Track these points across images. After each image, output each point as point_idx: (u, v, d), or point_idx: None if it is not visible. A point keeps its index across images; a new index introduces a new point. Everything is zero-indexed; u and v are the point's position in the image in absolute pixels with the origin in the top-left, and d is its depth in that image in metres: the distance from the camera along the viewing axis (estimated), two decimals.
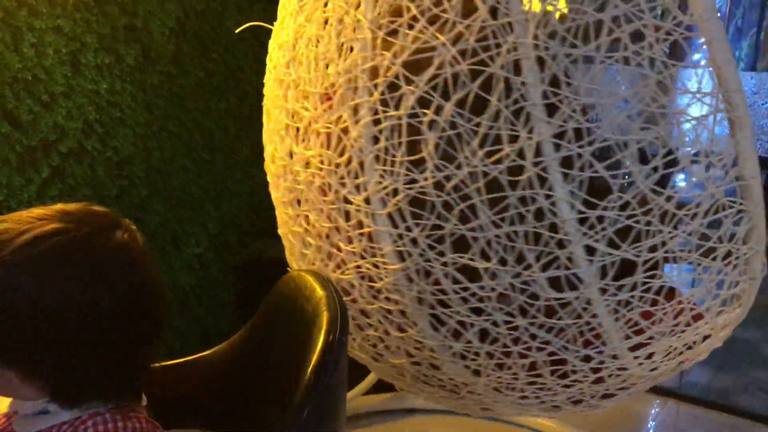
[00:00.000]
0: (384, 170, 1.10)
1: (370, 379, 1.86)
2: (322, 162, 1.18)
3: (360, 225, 1.16)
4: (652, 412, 2.14)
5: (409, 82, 1.07)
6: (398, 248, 1.12)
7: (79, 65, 1.63)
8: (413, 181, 1.09)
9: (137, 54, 1.76)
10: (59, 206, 0.82)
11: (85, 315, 0.77)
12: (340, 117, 1.13)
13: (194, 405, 1.14)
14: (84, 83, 1.65)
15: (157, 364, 1.12)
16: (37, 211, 0.81)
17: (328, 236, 1.22)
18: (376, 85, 1.09)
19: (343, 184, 1.15)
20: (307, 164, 1.21)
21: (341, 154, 1.15)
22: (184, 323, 2.01)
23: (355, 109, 1.12)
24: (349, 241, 1.19)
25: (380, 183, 1.11)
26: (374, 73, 1.11)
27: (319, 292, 0.98)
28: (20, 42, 1.52)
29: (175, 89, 1.87)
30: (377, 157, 1.11)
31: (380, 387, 1.78)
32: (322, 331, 0.90)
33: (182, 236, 1.94)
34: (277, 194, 1.32)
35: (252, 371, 1.08)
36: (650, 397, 2.20)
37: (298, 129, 1.22)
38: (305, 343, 0.92)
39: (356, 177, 1.13)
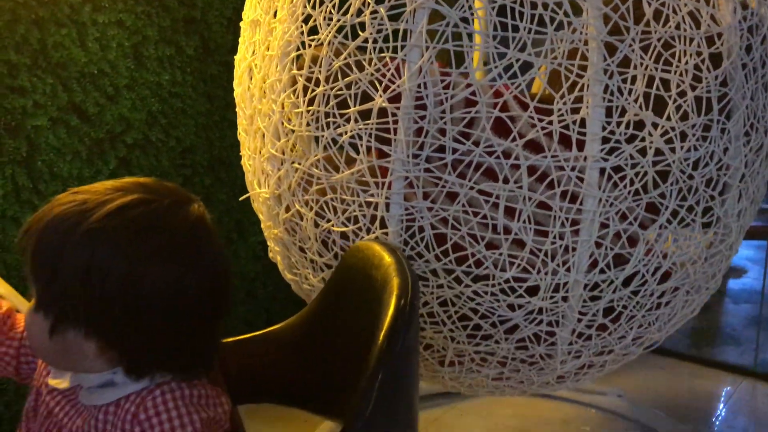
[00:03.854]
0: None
1: None
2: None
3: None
4: (726, 390, 2.09)
5: None
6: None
7: (141, 58, 1.67)
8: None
9: (197, 45, 1.79)
10: (131, 179, 0.83)
11: (166, 287, 0.78)
12: None
13: (265, 379, 1.14)
14: (146, 75, 1.69)
15: (228, 339, 1.14)
16: (110, 183, 0.81)
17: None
18: None
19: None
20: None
21: None
22: (250, 310, 2.04)
23: None
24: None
25: None
26: None
27: (387, 259, 0.97)
28: (85, 37, 1.56)
29: None
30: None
31: None
32: (393, 297, 0.89)
33: (246, 224, 1.97)
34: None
35: (322, 343, 1.09)
36: (723, 375, 2.15)
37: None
38: (376, 311, 0.92)
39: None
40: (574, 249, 1.23)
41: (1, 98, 1.44)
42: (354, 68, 1.21)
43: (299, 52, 1.28)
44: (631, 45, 1.17)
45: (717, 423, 1.91)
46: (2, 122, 1.44)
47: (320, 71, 1.24)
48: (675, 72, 1.20)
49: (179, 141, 1.78)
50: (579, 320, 1.30)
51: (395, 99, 1.19)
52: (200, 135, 1.83)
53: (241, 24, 1.44)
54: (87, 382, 0.84)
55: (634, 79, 1.19)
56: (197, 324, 0.82)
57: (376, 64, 1.19)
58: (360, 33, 1.20)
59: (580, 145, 1.19)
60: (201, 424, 0.80)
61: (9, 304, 0.98)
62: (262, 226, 1.49)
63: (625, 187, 1.21)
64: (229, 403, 0.87)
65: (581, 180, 1.20)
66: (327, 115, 1.25)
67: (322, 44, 1.24)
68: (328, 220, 1.30)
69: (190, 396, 0.82)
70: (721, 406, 2.03)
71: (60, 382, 0.86)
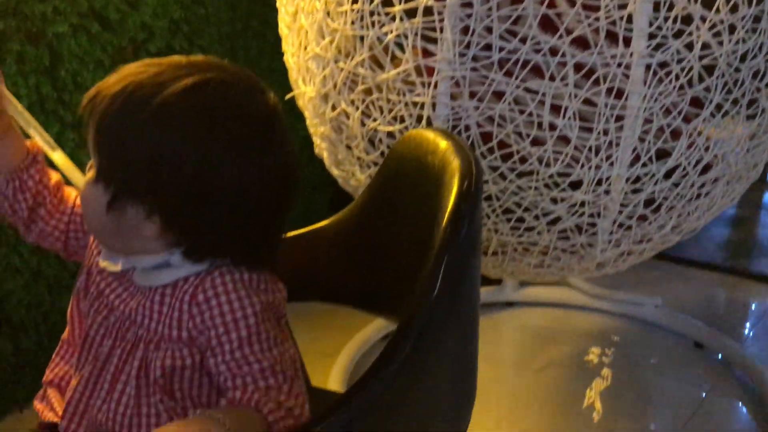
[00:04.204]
0: None
1: None
2: None
3: None
4: (762, 302, 2.12)
5: None
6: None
7: None
8: None
9: None
10: (205, 57, 0.80)
11: (237, 175, 0.76)
12: None
13: (313, 276, 1.12)
14: None
15: None
16: (184, 58, 0.78)
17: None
18: None
19: None
20: None
21: None
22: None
23: None
24: None
25: None
26: None
27: (444, 143, 0.91)
28: None
29: None
30: None
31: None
32: (455, 180, 0.83)
33: None
34: None
35: (373, 237, 1.06)
36: (759, 286, 2.17)
37: None
38: (434, 197, 0.87)
39: None
40: (617, 144, 1.25)
41: (21, 4, 1.42)
42: None
43: None
44: None
45: (753, 334, 1.94)
46: (23, 30, 1.44)
47: None
48: None
49: (203, 50, 1.76)
50: (620, 212, 1.34)
51: None
52: (224, 44, 1.81)
53: None
54: (141, 264, 0.82)
55: None
56: (263, 215, 0.80)
57: None
58: None
59: (627, 41, 1.19)
60: (261, 306, 0.79)
61: (59, 176, 0.95)
62: (308, 123, 1.52)
63: (670, 82, 1.22)
64: (286, 291, 0.86)
65: (627, 76, 1.20)
66: (372, 13, 1.25)
67: None
68: (375, 120, 1.32)
69: (249, 279, 0.80)
70: (758, 317, 2.06)
71: (111, 265, 0.84)
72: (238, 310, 0.78)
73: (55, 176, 0.94)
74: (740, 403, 1.69)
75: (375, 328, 1.82)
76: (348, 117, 1.36)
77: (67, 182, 0.96)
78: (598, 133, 1.23)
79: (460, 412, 0.91)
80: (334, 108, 1.38)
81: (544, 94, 1.21)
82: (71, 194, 0.94)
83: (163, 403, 0.81)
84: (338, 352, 1.74)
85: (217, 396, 0.83)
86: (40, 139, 0.96)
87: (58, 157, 0.98)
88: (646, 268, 2.08)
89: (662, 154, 1.30)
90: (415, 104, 1.27)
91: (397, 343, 0.75)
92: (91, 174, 0.80)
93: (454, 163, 0.86)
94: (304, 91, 1.43)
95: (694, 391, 1.69)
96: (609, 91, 1.21)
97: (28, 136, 0.95)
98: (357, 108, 1.33)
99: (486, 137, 1.26)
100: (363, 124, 1.35)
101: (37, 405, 0.92)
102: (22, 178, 0.90)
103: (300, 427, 0.76)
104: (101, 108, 0.76)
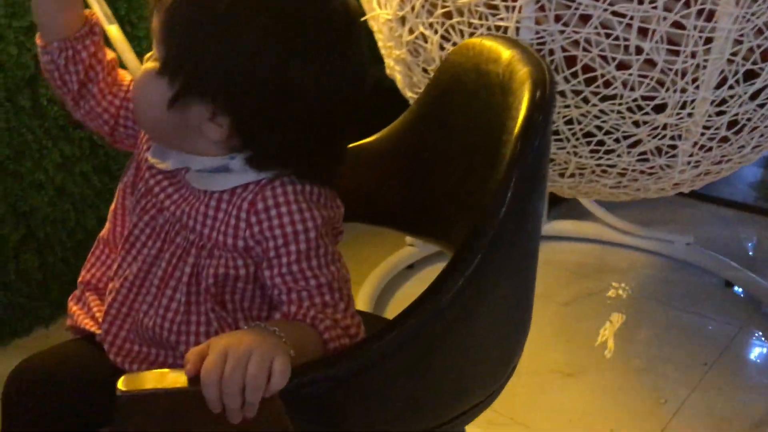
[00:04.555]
0: None
1: None
2: None
3: None
4: None
5: None
6: None
7: None
8: None
9: None
10: None
11: (312, 83, 0.73)
12: None
13: (357, 196, 1.01)
14: None
15: None
16: None
17: None
18: None
19: None
20: None
21: None
22: None
23: None
24: None
25: None
26: None
27: (508, 51, 0.84)
28: None
29: None
30: None
31: None
32: (526, 89, 0.76)
33: None
34: None
35: (423, 152, 0.98)
36: None
37: None
38: (497, 109, 0.81)
39: None
40: (704, 66, 1.23)
41: None
42: None
43: None
44: None
45: None
46: None
47: None
48: None
49: None
50: (702, 134, 1.32)
51: None
52: None
53: None
54: (196, 165, 0.79)
55: None
56: (333, 125, 0.77)
57: None
58: None
59: None
60: (321, 221, 0.76)
61: (115, 56, 0.90)
62: (380, 45, 1.51)
63: (764, 2, 1.18)
64: (343, 208, 0.83)
65: None
66: None
67: None
68: (454, 44, 1.31)
69: (310, 192, 0.78)
70: None
71: (160, 162, 0.81)
72: (299, 222, 0.75)
73: (110, 54, 0.89)
74: None
75: (400, 257, 1.82)
76: (426, 40, 1.35)
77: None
78: (686, 56, 1.21)
79: (515, 344, 0.86)
80: (411, 31, 1.36)
81: (632, 18, 1.18)
82: (125, 77, 0.90)
83: (214, 312, 0.80)
84: (363, 280, 1.74)
85: (269, 310, 0.81)
86: (98, 9, 0.91)
87: (115, 31, 0.93)
88: (678, 206, 2.08)
89: (750, 76, 1.27)
90: (497, 28, 1.25)
91: (464, 255, 0.71)
92: (152, 65, 0.76)
93: (523, 71, 0.79)
94: (380, 13, 1.42)
95: (724, 330, 1.69)
96: (699, 12, 1.18)
97: (87, 6, 0.89)
98: (436, 32, 1.32)
99: (570, 61, 1.24)
100: (442, 48, 1.33)
101: (73, 307, 0.90)
102: (76, 48, 0.85)
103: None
104: None
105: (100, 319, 0.87)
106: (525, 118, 0.74)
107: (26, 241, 1.53)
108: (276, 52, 0.71)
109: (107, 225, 0.90)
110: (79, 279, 0.91)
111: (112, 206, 0.89)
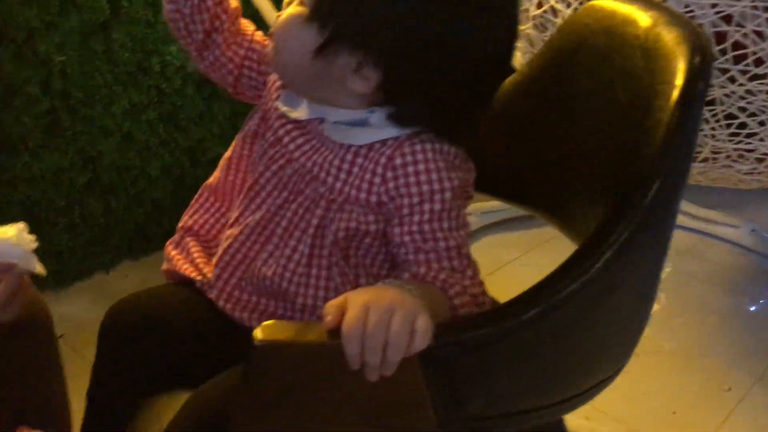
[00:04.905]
0: None
1: None
2: None
3: None
4: None
5: None
6: None
7: None
8: None
9: None
10: None
11: (466, 42, 0.71)
12: None
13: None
14: None
15: None
16: None
17: None
18: None
19: None
20: None
21: None
22: None
23: None
24: None
25: None
26: None
27: (647, 13, 0.77)
28: None
29: None
30: None
31: None
32: (680, 53, 0.70)
33: None
34: None
35: (539, 117, 0.91)
36: None
37: None
38: (640, 72, 0.75)
39: None
40: None
41: None
42: None
43: None
44: None
45: None
46: None
47: None
48: None
49: None
50: None
51: None
52: None
53: None
54: (334, 116, 0.77)
55: None
56: (477, 86, 0.75)
57: None
58: None
59: None
60: (458, 183, 0.75)
61: (239, 5, 0.87)
62: None
63: None
64: (475, 173, 0.81)
65: None
66: None
67: None
68: None
69: (448, 152, 0.76)
70: None
71: (292, 111, 0.79)
72: (436, 182, 0.74)
73: (234, 2, 0.86)
74: None
75: None
76: (556, 14, 1.30)
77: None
78: None
79: (644, 319, 0.84)
80: (540, 5, 1.32)
81: None
82: (248, 27, 0.88)
83: (337, 266, 0.78)
84: None
85: (389, 269, 0.80)
86: None
87: None
88: (743, 191, 2.03)
89: None
90: None
91: (612, 226, 0.67)
92: (299, 10, 0.73)
93: (673, 35, 0.72)
94: None
95: None
96: None
97: None
98: (568, 5, 1.26)
99: (719, 38, 1.19)
100: None
101: (171, 251, 0.88)
102: None
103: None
104: None
105: (201, 266, 0.85)
106: (686, 85, 0.69)
107: (91, 186, 1.52)
108: (445, 9, 0.69)
109: (216, 174, 0.88)
110: (180, 224, 0.89)
111: (227, 154, 0.86)
